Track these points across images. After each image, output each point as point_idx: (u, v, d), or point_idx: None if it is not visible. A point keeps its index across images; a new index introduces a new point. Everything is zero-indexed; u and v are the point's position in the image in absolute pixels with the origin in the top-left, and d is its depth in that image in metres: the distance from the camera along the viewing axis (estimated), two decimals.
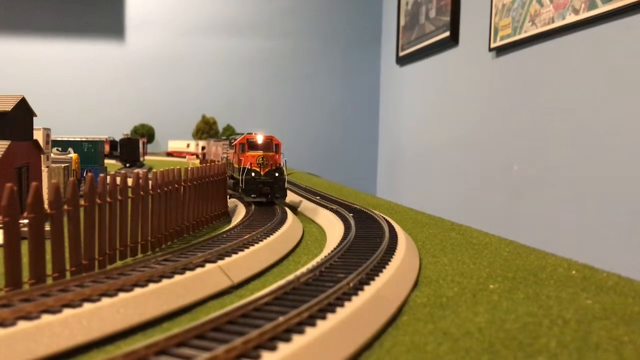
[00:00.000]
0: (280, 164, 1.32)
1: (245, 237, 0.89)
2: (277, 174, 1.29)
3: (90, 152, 1.85)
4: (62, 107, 3.85)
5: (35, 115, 1.22)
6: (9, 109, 1.08)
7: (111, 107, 4.04)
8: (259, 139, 1.34)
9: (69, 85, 4.01)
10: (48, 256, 0.67)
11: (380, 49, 4.32)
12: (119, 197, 0.82)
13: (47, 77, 3.95)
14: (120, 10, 4.09)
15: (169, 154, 3.61)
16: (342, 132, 4.35)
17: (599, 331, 0.57)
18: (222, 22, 4.21)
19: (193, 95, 4.18)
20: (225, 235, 0.93)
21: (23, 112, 1.16)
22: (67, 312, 0.54)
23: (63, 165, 1.41)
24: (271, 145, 1.34)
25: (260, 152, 1.30)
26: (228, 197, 1.39)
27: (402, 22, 3.67)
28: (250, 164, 1.29)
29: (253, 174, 1.28)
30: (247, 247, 0.84)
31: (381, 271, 0.70)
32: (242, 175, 1.28)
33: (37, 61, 3.97)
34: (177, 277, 0.67)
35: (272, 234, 0.95)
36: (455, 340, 0.54)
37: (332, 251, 0.81)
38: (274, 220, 1.06)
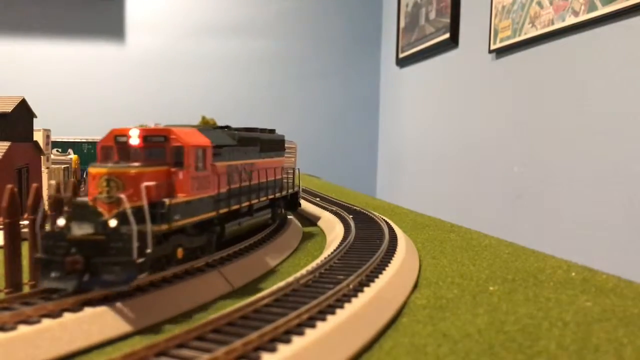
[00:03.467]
0: (164, 200, 0.61)
1: (245, 240, 0.89)
2: (112, 224, 0.57)
3: (90, 153, 1.85)
4: (62, 108, 3.84)
5: (36, 117, 1.22)
6: (10, 110, 1.08)
7: (111, 108, 4.04)
8: (134, 136, 0.66)
9: (68, 87, 4.01)
10: None
11: (380, 50, 4.32)
12: None
13: (46, 78, 3.95)
14: (120, 11, 4.10)
15: None
16: (342, 133, 4.35)
17: (599, 333, 0.57)
18: (222, 24, 4.21)
19: (193, 96, 4.18)
20: None
21: (23, 113, 1.16)
22: (68, 316, 0.54)
23: (63, 166, 1.42)
24: (163, 151, 0.66)
25: (105, 170, 0.60)
26: None
27: (402, 24, 3.67)
28: (94, 197, 0.60)
29: (61, 223, 0.59)
30: (248, 252, 0.84)
31: (381, 273, 0.70)
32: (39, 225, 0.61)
33: (36, 62, 3.97)
34: (178, 283, 0.67)
35: (272, 238, 0.95)
36: (455, 342, 0.54)
37: (331, 253, 0.81)
38: (274, 224, 1.06)
